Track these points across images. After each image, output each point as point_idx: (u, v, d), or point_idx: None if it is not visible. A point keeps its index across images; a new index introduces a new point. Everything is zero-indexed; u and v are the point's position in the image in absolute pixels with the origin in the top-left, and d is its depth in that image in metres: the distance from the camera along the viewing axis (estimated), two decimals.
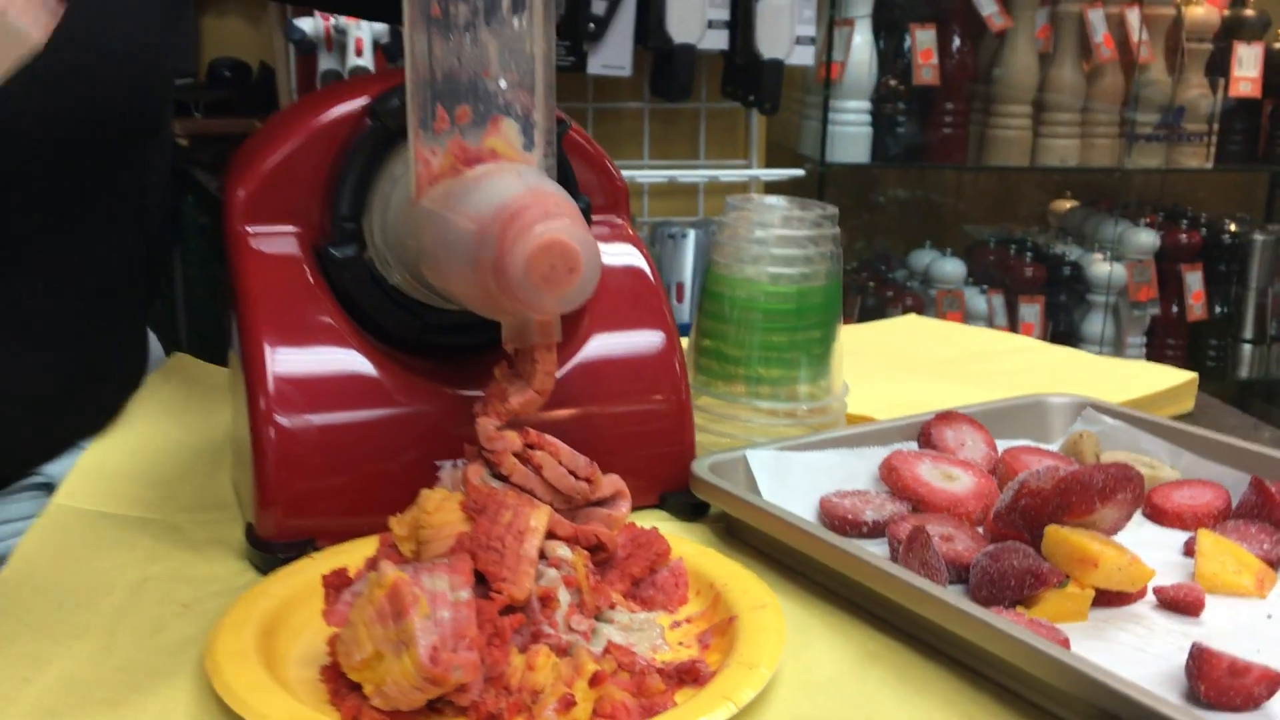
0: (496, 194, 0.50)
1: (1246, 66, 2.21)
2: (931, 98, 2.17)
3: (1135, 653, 0.50)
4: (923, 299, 2.27)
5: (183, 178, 2.10)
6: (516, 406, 0.53)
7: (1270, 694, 0.46)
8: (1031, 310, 2.24)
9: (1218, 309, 2.35)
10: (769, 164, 2.17)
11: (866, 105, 2.13)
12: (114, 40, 0.64)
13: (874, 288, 2.28)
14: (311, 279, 0.61)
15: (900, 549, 0.56)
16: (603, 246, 0.68)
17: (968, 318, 2.26)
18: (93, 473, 0.65)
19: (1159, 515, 0.64)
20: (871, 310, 2.26)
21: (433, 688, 0.43)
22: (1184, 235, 2.31)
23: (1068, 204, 2.49)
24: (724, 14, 1.90)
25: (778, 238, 0.68)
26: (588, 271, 0.50)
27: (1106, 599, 0.54)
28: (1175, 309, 2.32)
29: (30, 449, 0.67)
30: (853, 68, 2.09)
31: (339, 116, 0.62)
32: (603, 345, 0.66)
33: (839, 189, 2.26)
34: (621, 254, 0.69)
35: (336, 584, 0.50)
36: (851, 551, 0.52)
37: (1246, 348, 2.39)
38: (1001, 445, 0.70)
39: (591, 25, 1.86)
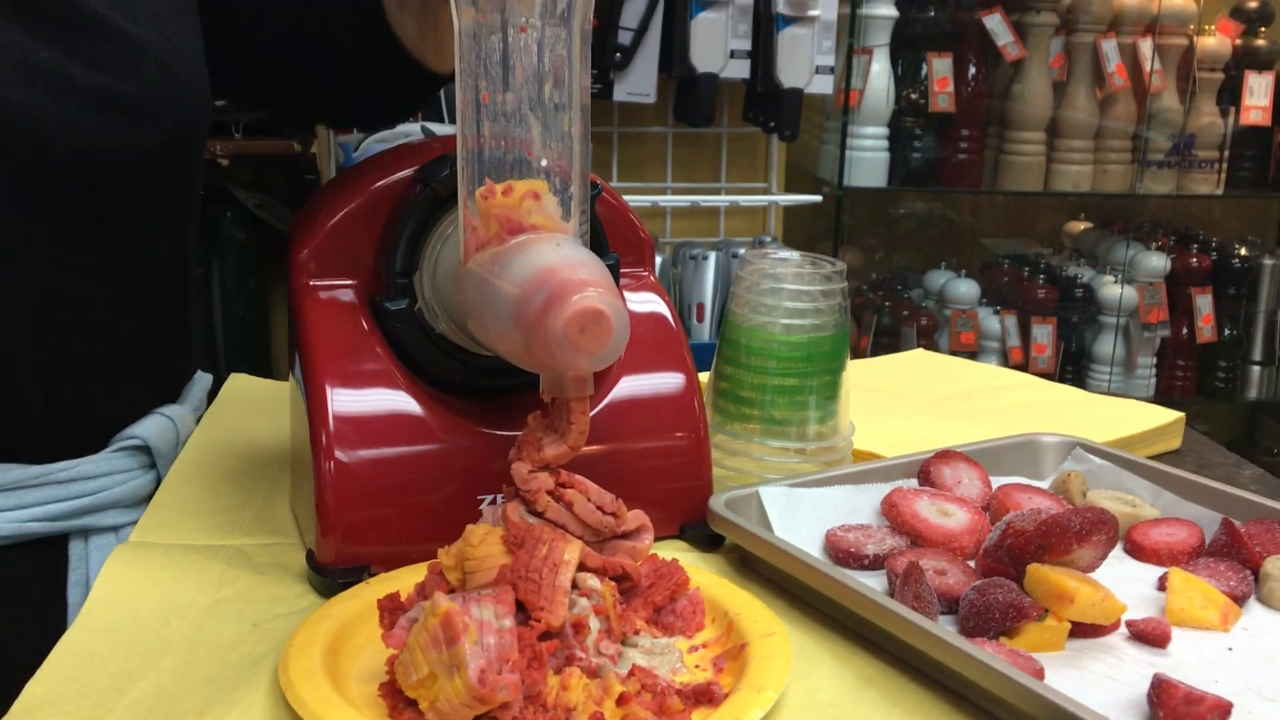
0: (536, 262, 0.56)
1: (1258, 95, 2.26)
2: (948, 124, 2.23)
3: (1106, 681, 0.56)
4: (938, 319, 2.33)
5: (222, 195, 2.18)
6: (550, 457, 0.59)
7: None
8: (1044, 331, 2.29)
9: (1227, 331, 2.40)
10: (788, 186, 2.23)
11: (884, 131, 2.19)
12: (182, 69, 0.71)
13: (890, 307, 2.34)
14: (366, 327, 0.68)
15: (897, 582, 0.62)
16: (629, 295, 0.75)
17: (981, 337, 2.31)
18: (164, 509, 0.72)
19: (1138, 551, 0.70)
20: (887, 328, 2.32)
21: (480, 706, 0.49)
22: (1194, 259, 2.35)
23: (1081, 225, 2.54)
24: (746, 44, 1.96)
25: (790, 292, 0.74)
26: (618, 334, 0.56)
27: (1083, 631, 0.60)
28: (1185, 331, 2.37)
29: (116, 416, 0.74)
30: (871, 94, 2.15)
31: (392, 182, 0.69)
32: (630, 387, 0.72)
33: (856, 211, 2.32)
34: (646, 302, 0.75)
35: (390, 607, 0.56)
36: (850, 585, 0.58)
37: (1255, 369, 2.44)
38: (996, 482, 0.76)
39: (618, 55, 1.93)
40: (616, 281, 0.71)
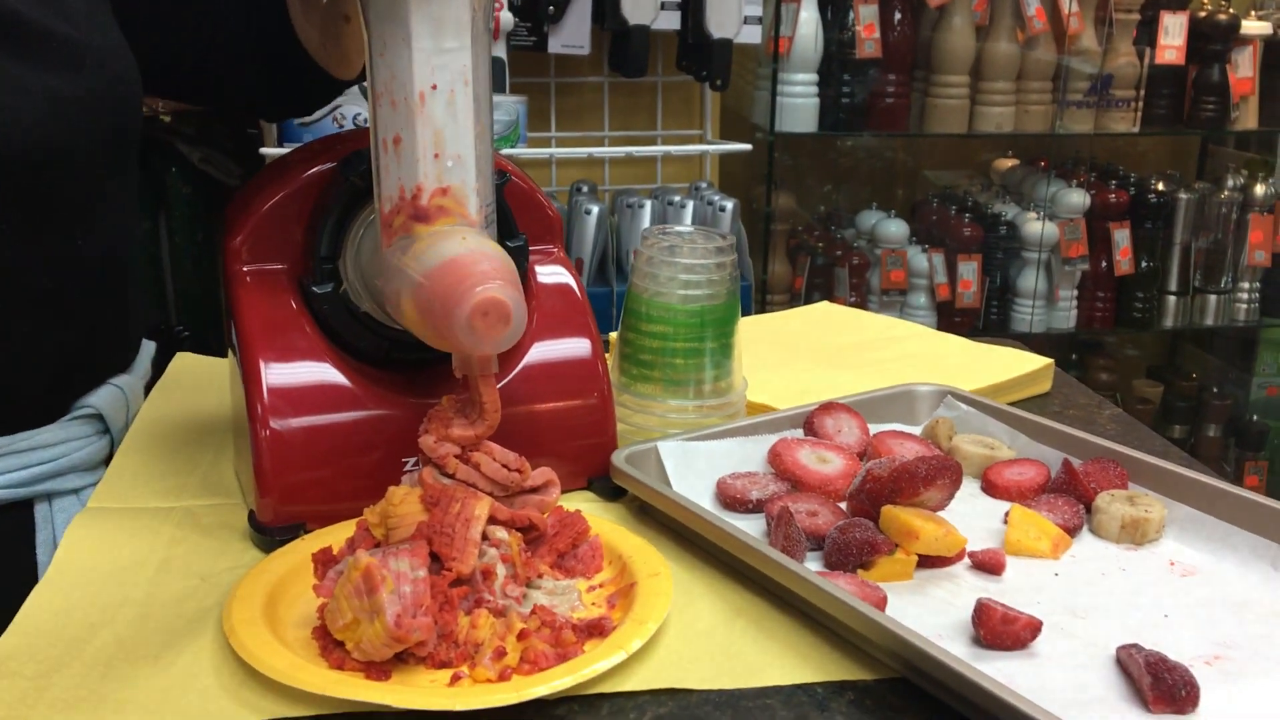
0: (443, 254, 0.63)
1: (1172, 35, 2.34)
2: (875, 69, 2.30)
3: (945, 605, 0.65)
4: (869, 258, 2.41)
5: (166, 151, 2.21)
6: (456, 437, 0.67)
7: (1033, 637, 0.61)
8: (969, 268, 2.38)
9: (1144, 263, 2.50)
10: (724, 133, 2.29)
11: (814, 77, 2.25)
12: (119, 66, 0.77)
13: (823, 248, 2.42)
14: (296, 307, 0.75)
15: (772, 525, 0.71)
16: (539, 269, 0.82)
17: (910, 275, 2.40)
18: (118, 477, 0.79)
19: (992, 489, 0.79)
20: (821, 269, 2.40)
21: (398, 645, 0.57)
22: (1113, 195, 2.45)
23: (1009, 162, 2.63)
24: None
25: (685, 265, 0.81)
26: (516, 322, 0.63)
27: (930, 562, 0.69)
28: (1104, 264, 2.47)
29: (70, 388, 0.81)
30: (800, 41, 2.21)
31: (318, 173, 0.75)
32: (540, 353, 0.79)
33: (788, 156, 2.39)
34: (554, 274, 0.82)
35: (323, 560, 0.64)
36: (726, 529, 0.67)
37: (1171, 299, 2.55)
38: (875, 429, 0.85)
39: (551, 8, 1.98)
40: (525, 259, 0.78)
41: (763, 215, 2.30)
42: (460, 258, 0.63)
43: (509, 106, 1.90)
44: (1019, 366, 0.99)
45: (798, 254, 2.43)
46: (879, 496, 0.70)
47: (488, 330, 0.61)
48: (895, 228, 2.39)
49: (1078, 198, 2.40)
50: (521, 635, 0.59)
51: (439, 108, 0.64)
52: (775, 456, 0.79)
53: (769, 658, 0.60)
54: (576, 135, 2.19)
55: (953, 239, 2.40)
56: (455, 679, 0.58)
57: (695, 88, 2.23)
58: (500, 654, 0.58)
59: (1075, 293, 2.47)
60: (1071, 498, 0.75)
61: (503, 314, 0.61)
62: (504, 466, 0.69)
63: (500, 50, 1.99)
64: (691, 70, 2.12)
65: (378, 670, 0.58)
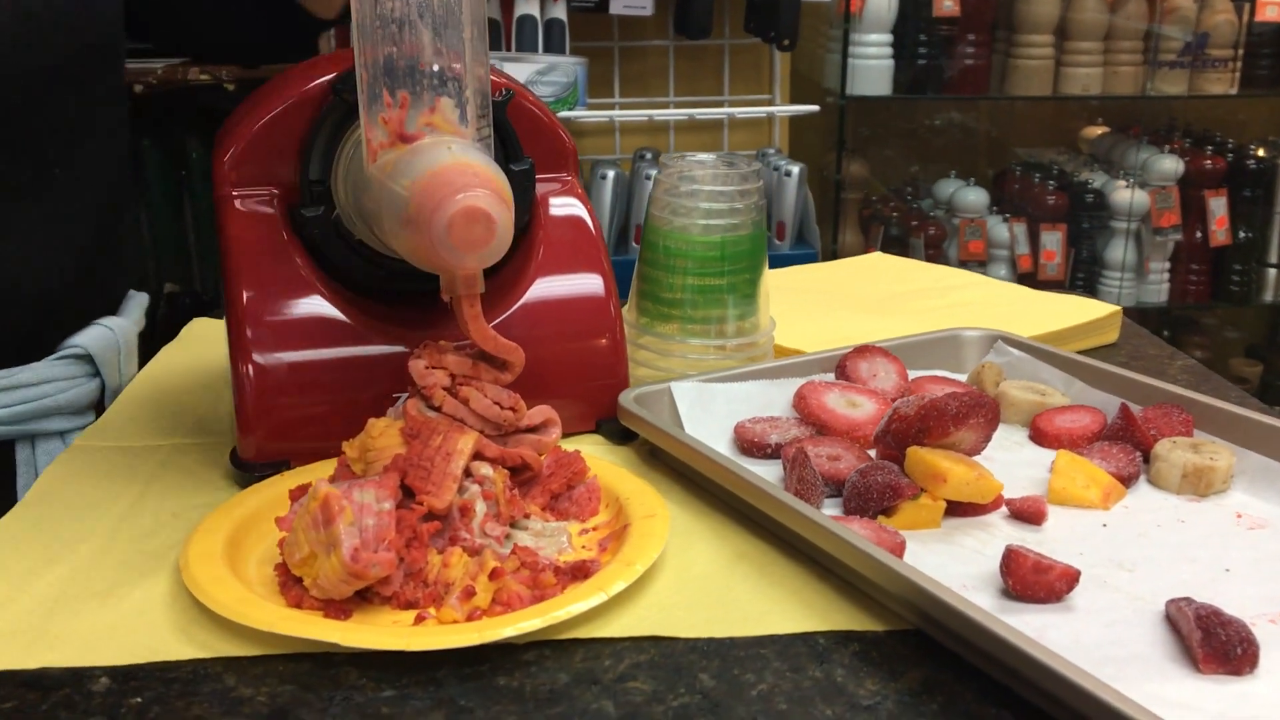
0: (426, 165, 0.59)
1: None
2: (953, 28, 2.20)
3: (973, 555, 0.58)
4: (946, 228, 2.32)
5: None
6: (451, 363, 0.62)
7: (1069, 588, 0.54)
8: (1053, 238, 2.27)
9: (1242, 234, 2.37)
10: (794, 98, 2.22)
11: (888, 38, 2.16)
12: None
13: (898, 218, 2.33)
14: (286, 236, 0.71)
15: (787, 468, 0.65)
16: (551, 200, 0.77)
17: (990, 245, 2.30)
18: (112, 419, 0.75)
19: (1040, 438, 0.72)
20: (895, 239, 2.31)
21: (356, 580, 0.52)
22: (1208, 161, 2.32)
23: (1098, 130, 2.51)
24: None
25: (707, 193, 0.75)
26: (501, 233, 0.58)
27: (963, 510, 0.62)
28: (1199, 234, 2.34)
29: (59, 325, 0.78)
30: (873, 1, 2.13)
31: (309, 91, 0.71)
32: (546, 288, 0.74)
33: (860, 121, 2.31)
34: (567, 206, 0.77)
35: (300, 496, 0.59)
36: (727, 465, 0.61)
37: (1271, 272, 2.41)
38: (914, 376, 0.78)
39: None
40: (530, 184, 0.73)
41: (833, 183, 2.22)
42: (445, 167, 0.58)
43: (566, 68, 1.85)
44: (1082, 313, 0.91)
45: (870, 224, 2.35)
46: (905, 437, 0.63)
47: (467, 241, 0.57)
48: (974, 196, 2.29)
49: (1170, 164, 2.28)
50: (494, 574, 0.54)
51: (425, 20, 0.60)
52: (800, 399, 0.72)
53: (768, 604, 0.54)
54: (640, 100, 2.14)
55: (1036, 208, 2.30)
56: (419, 620, 0.53)
57: (763, 50, 2.16)
58: (469, 594, 0.53)
59: (1168, 265, 2.35)
60: (1128, 445, 0.68)
61: (484, 224, 0.56)
62: (496, 404, 0.64)
63: (559, 11, 1.94)
64: (759, 31, 2.05)
65: (337, 609, 0.53)
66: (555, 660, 0.51)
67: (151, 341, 0.89)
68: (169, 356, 0.89)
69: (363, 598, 0.55)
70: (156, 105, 2.08)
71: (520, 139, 0.73)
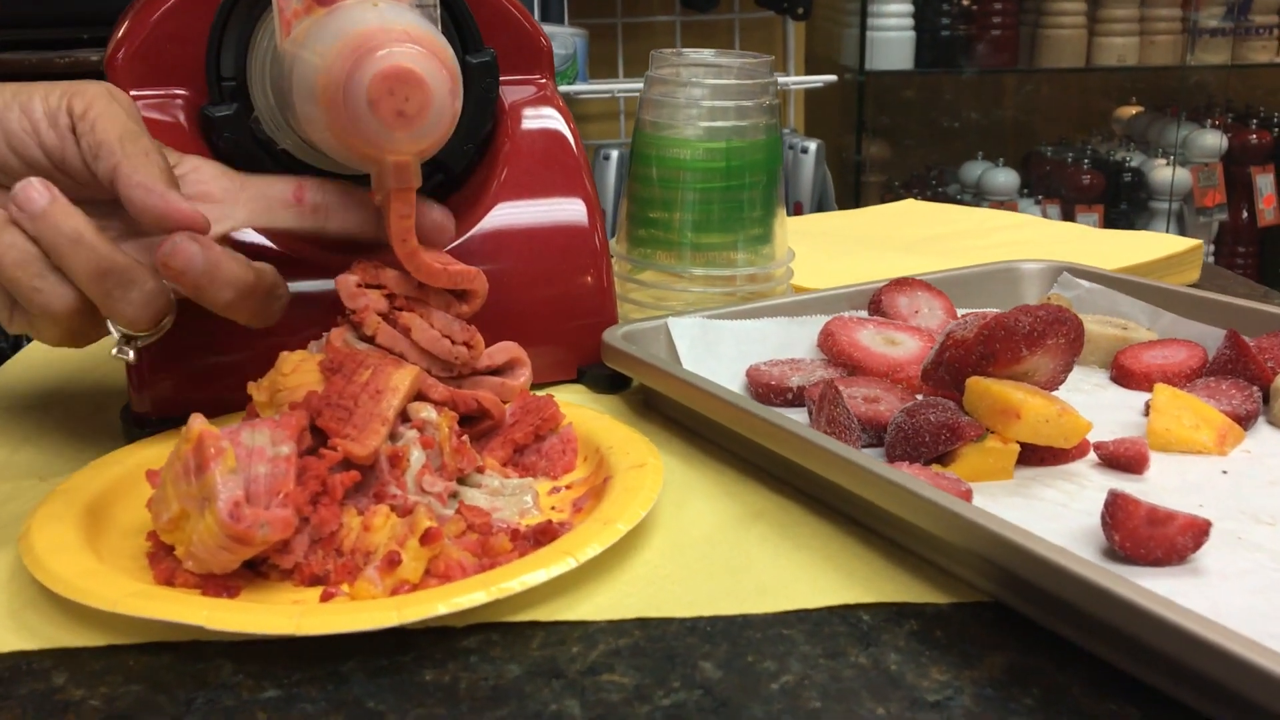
0: (345, 27, 0.46)
1: None
2: None
3: (1057, 509, 0.45)
4: None
5: None
6: (389, 279, 0.50)
7: (1196, 545, 0.40)
8: (1089, 220, 2.13)
9: None
10: (809, 74, 2.09)
11: (908, 8, 2.03)
12: None
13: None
14: (196, 147, 0.58)
15: (813, 410, 0.51)
16: (524, 111, 0.64)
17: None
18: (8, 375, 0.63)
19: (1126, 378, 0.58)
20: None
21: (240, 546, 0.39)
22: (1254, 135, 2.17)
23: (1133, 110, 2.37)
24: None
25: (708, 88, 0.62)
26: (438, 104, 0.46)
27: (1039, 456, 0.48)
28: (1245, 214, 2.20)
29: None
30: None
31: None
32: (512, 213, 0.61)
33: (880, 99, 2.17)
34: (541, 117, 0.64)
35: None
36: (735, 402, 0.48)
37: None
38: (963, 314, 0.64)
39: None
40: (493, 77, 0.60)
41: (853, 165, 2.08)
42: (367, 28, 0.46)
43: (564, 39, 1.73)
44: (1158, 248, 0.77)
45: None
46: (964, 367, 0.50)
47: (394, 112, 0.44)
48: (1004, 178, 2.15)
49: (1213, 139, 2.13)
50: (427, 538, 0.41)
51: None
52: (828, 336, 0.59)
53: (794, 572, 0.41)
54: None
55: (1070, 189, 2.16)
56: (327, 598, 0.40)
57: (776, 24, 2.03)
58: (392, 562, 0.40)
59: (1212, 246, 2.20)
60: (1242, 380, 0.54)
61: (414, 87, 0.44)
62: (447, 337, 0.51)
63: None
64: (771, 3, 1.92)
65: (218, 586, 0.40)
66: (504, 648, 0.37)
67: None
68: None
69: (256, 572, 0.41)
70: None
71: (481, 31, 0.60)
